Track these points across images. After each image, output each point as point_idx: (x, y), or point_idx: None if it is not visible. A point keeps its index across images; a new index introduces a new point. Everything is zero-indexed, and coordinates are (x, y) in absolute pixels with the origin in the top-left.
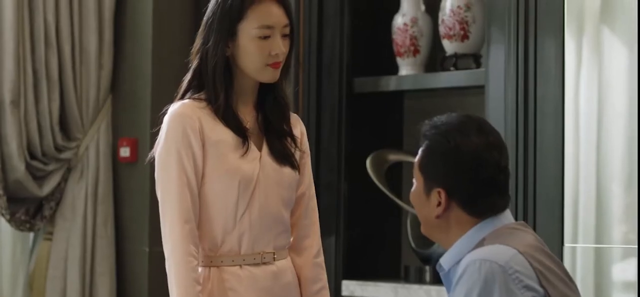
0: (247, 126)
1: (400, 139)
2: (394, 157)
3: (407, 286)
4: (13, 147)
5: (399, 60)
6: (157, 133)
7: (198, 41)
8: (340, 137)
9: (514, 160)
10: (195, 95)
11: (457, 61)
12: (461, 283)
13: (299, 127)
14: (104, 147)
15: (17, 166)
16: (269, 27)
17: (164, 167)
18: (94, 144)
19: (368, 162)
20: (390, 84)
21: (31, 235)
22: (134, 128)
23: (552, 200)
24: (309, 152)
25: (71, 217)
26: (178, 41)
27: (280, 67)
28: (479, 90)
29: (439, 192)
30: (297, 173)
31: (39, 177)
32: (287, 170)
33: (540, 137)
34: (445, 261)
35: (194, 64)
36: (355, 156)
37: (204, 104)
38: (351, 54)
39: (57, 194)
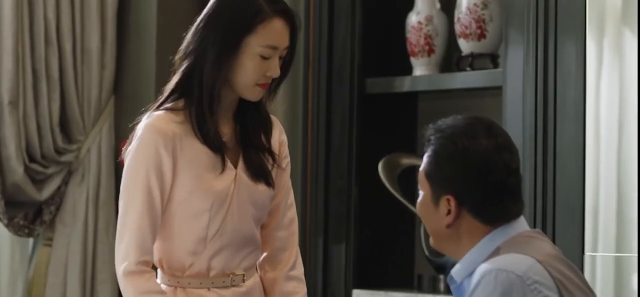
0: (225, 140)
1: (414, 142)
2: (407, 161)
3: (420, 295)
4: (11, 149)
5: (412, 60)
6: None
7: (191, 40)
8: (351, 140)
9: (532, 164)
10: (172, 104)
11: (474, 61)
12: (476, 295)
13: (278, 133)
14: (106, 150)
15: (16, 168)
16: (273, 47)
17: (129, 184)
18: (95, 147)
19: (380, 166)
20: (404, 84)
21: (30, 241)
22: None
23: (572, 206)
24: (288, 159)
25: (71, 222)
26: (183, 42)
27: (267, 88)
28: (496, 91)
29: (448, 200)
30: (272, 189)
31: (38, 181)
32: (261, 187)
33: (560, 141)
34: (457, 273)
35: (183, 67)
36: (366, 160)
37: (181, 116)
38: (363, 54)
39: (57, 198)
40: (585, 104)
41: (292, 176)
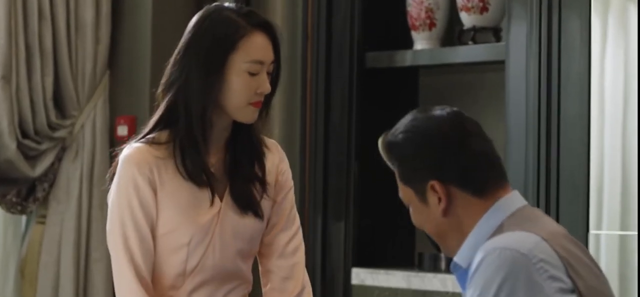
0: (213, 171)
1: None
2: None
3: (421, 274)
4: (4, 124)
5: (413, 34)
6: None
7: (172, 71)
8: (351, 116)
9: (536, 141)
10: (155, 136)
11: (476, 35)
12: (478, 275)
13: (277, 160)
14: (101, 126)
15: (8, 144)
16: (259, 62)
17: (115, 221)
18: (90, 122)
19: (380, 142)
20: (405, 59)
21: (23, 218)
22: (132, 105)
23: (576, 184)
24: (290, 184)
25: (65, 200)
26: (180, 14)
27: (260, 108)
28: (498, 66)
29: (432, 186)
30: (261, 221)
31: (31, 157)
32: (249, 220)
33: (564, 117)
34: (461, 258)
35: (167, 99)
36: (366, 136)
37: (162, 150)
38: (363, 27)
39: (51, 175)
40: (590, 80)
41: (291, 153)
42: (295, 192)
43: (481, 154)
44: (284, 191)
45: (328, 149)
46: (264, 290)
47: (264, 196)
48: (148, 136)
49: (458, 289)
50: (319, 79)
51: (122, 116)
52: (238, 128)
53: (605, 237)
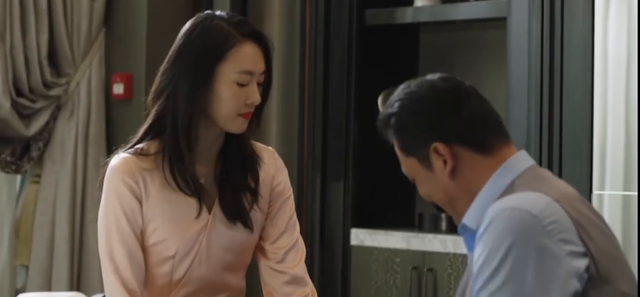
0: (202, 182)
1: (416, 76)
2: None
3: (421, 235)
4: None
5: None
6: (154, 67)
7: (161, 79)
8: (350, 74)
9: (538, 100)
10: (144, 146)
11: None
12: (487, 235)
13: (273, 169)
14: (96, 84)
15: (2, 103)
16: (249, 72)
17: (102, 232)
18: (85, 80)
19: (380, 100)
20: (405, 16)
21: (18, 178)
22: (128, 63)
23: (579, 144)
24: (288, 193)
25: (60, 159)
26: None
27: (250, 118)
28: (500, 22)
29: (435, 149)
30: (251, 232)
31: (25, 116)
32: (238, 232)
33: (567, 76)
34: (469, 219)
35: (156, 107)
36: (366, 95)
37: (150, 161)
38: None
39: (46, 134)
40: (593, 39)
41: (290, 113)
42: (294, 152)
43: (481, 113)
44: (280, 199)
45: (327, 108)
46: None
47: (255, 207)
48: (136, 146)
49: (459, 250)
50: (317, 37)
51: (118, 74)
52: (229, 139)
53: (608, 197)
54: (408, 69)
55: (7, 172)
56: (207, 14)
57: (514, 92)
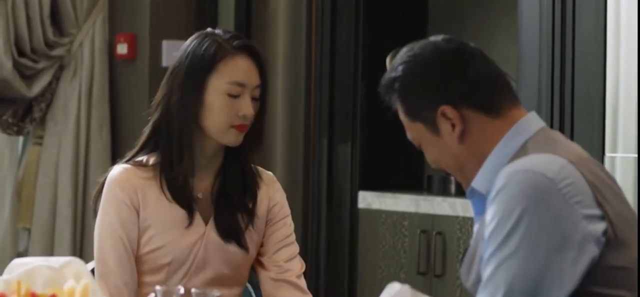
0: (199, 195)
1: (424, 34)
2: None
3: (430, 198)
4: None
5: None
6: (158, 28)
7: (160, 93)
8: (358, 34)
9: (549, 59)
10: (143, 158)
11: None
12: (499, 199)
13: (271, 191)
14: (100, 44)
15: (4, 63)
16: (240, 84)
17: (95, 238)
18: (88, 40)
19: (388, 61)
20: None
21: (20, 139)
22: (132, 22)
23: (591, 105)
24: (286, 213)
25: (63, 120)
26: None
27: (246, 132)
28: None
29: (442, 113)
30: (246, 253)
31: (27, 76)
32: (232, 248)
33: (579, 36)
34: (479, 183)
35: (153, 118)
36: (373, 55)
37: (149, 171)
38: None
39: (48, 95)
40: None
41: (296, 72)
42: (300, 114)
43: (487, 74)
44: (277, 218)
45: (334, 68)
46: None
47: (250, 228)
48: (135, 158)
49: (468, 214)
50: None
51: (121, 34)
52: (230, 156)
53: (620, 160)
54: (417, 30)
55: (9, 134)
56: (207, 30)
57: (525, 53)
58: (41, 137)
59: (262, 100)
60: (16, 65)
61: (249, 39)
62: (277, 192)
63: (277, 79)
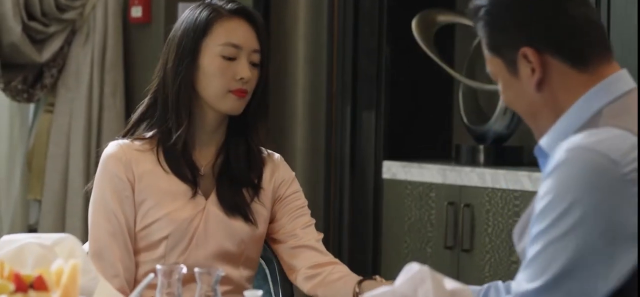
0: (202, 172)
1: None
2: (444, 18)
3: (458, 168)
4: (7, 5)
5: None
6: None
7: (159, 63)
8: None
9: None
10: (139, 131)
11: None
12: (554, 176)
13: (281, 171)
14: (113, 6)
15: (13, 27)
16: (235, 45)
17: (91, 216)
18: (101, 3)
19: (414, 23)
20: None
21: (30, 107)
22: None
23: None
24: (296, 188)
25: (75, 87)
26: None
27: (246, 98)
28: None
29: (524, 55)
30: (254, 226)
31: (38, 41)
32: (237, 223)
33: None
34: (547, 142)
35: (151, 89)
36: (399, 17)
37: (147, 144)
38: None
39: (59, 60)
40: None
41: (318, 34)
42: (322, 79)
43: (582, 19)
44: (286, 194)
45: (358, 31)
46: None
47: (256, 199)
48: (131, 131)
49: (498, 185)
50: None
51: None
52: (234, 131)
53: None
54: None
55: (19, 101)
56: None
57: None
58: (52, 105)
59: (263, 69)
60: (26, 29)
61: (253, 6)
62: (283, 170)
63: (298, 43)
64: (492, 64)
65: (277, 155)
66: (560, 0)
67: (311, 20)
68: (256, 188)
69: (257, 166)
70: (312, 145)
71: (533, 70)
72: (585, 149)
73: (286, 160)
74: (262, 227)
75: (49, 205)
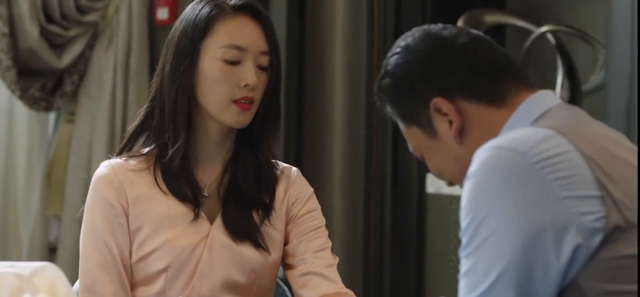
0: (206, 192)
1: None
2: (492, 18)
3: None
4: (24, 7)
5: None
6: None
7: (157, 67)
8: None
9: None
10: (135, 148)
11: None
12: (468, 186)
13: (289, 190)
14: (138, 7)
15: (30, 30)
16: (239, 48)
17: (82, 247)
18: (125, 4)
19: (460, 24)
20: None
21: (51, 116)
22: None
23: None
24: (314, 206)
25: (97, 94)
26: None
27: (251, 110)
28: None
29: (436, 108)
30: (266, 253)
31: (57, 45)
32: (247, 249)
33: None
34: None
35: (149, 97)
36: (443, 18)
37: (143, 163)
38: None
39: (81, 66)
40: None
41: (356, 38)
42: (362, 87)
43: (488, 57)
44: (300, 213)
45: (399, 31)
46: None
47: (267, 224)
48: (127, 147)
49: None
50: None
51: None
52: (242, 145)
53: None
54: None
55: (37, 110)
56: None
57: (615, 16)
58: (73, 114)
59: (274, 74)
60: (44, 33)
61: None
62: (299, 186)
63: (335, 48)
64: (411, 137)
65: (293, 169)
66: (458, 45)
67: (350, 23)
68: (268, 209)
69: (268, 183)
70: (351, 156)
71: (450, 122)
72: (492, 147)
73: (322, 172)
74: (275, 253)
75: (69, 221)
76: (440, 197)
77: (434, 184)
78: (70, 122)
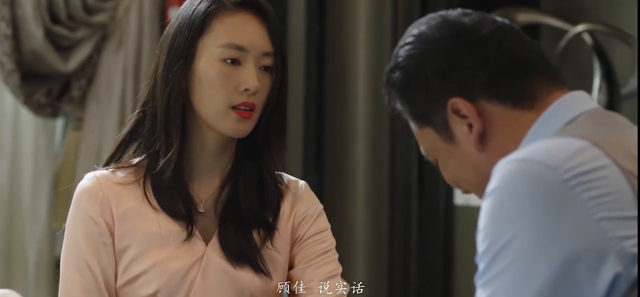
0: (199, 207)
1: None
2: (525, 17)
3: None
4: (27, 7)
5: None
6: None
7: (151, 68)
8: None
9: None
10: (124, 158)
11: None
12: (488, 204)
13: (296, 207)
14: (149, 8)
15: (34, 32)
16: (239, 48)
17: (62, 266)
18: (136, 5)
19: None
20: None
21: (58, 123)
22: None
23: None
24: (324, 226)
25: (106, 99)
26: None
27: (252, 119)
28: None
29: (455, 109)
30: (266, 277)
31: (63, 48)
32: (245, 274)
33: None
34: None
35: (140, 102)
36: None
37: (131, 175)
38: None
39: (88, 70)
40: None
41: (379, 43)
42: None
43: (515, 52)
44: (307, 234)
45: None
46: None
47: (269, 246)
48: (116, 156)
49: None
50: None
51: None
52: (244, 156)
53: None
54: None
55: (42, 116)
56: None
57: None
58: (81, 120)
59: (279, 78)
60: (49, 35)
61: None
62: (307, 203)
63: (358, 50)
64: (424, 139)
65: (301, 183)
66: (481, 37)
67: (373, 24)
68: (270, 229)
69: (272, 200)
70: (374, 164)
71: (470, 126)
72: (517, 160)
73: (344, 182)
74: (277, 278)
75: None
76: (469, 210)
77: (462, 196)
78: (78, 129)
